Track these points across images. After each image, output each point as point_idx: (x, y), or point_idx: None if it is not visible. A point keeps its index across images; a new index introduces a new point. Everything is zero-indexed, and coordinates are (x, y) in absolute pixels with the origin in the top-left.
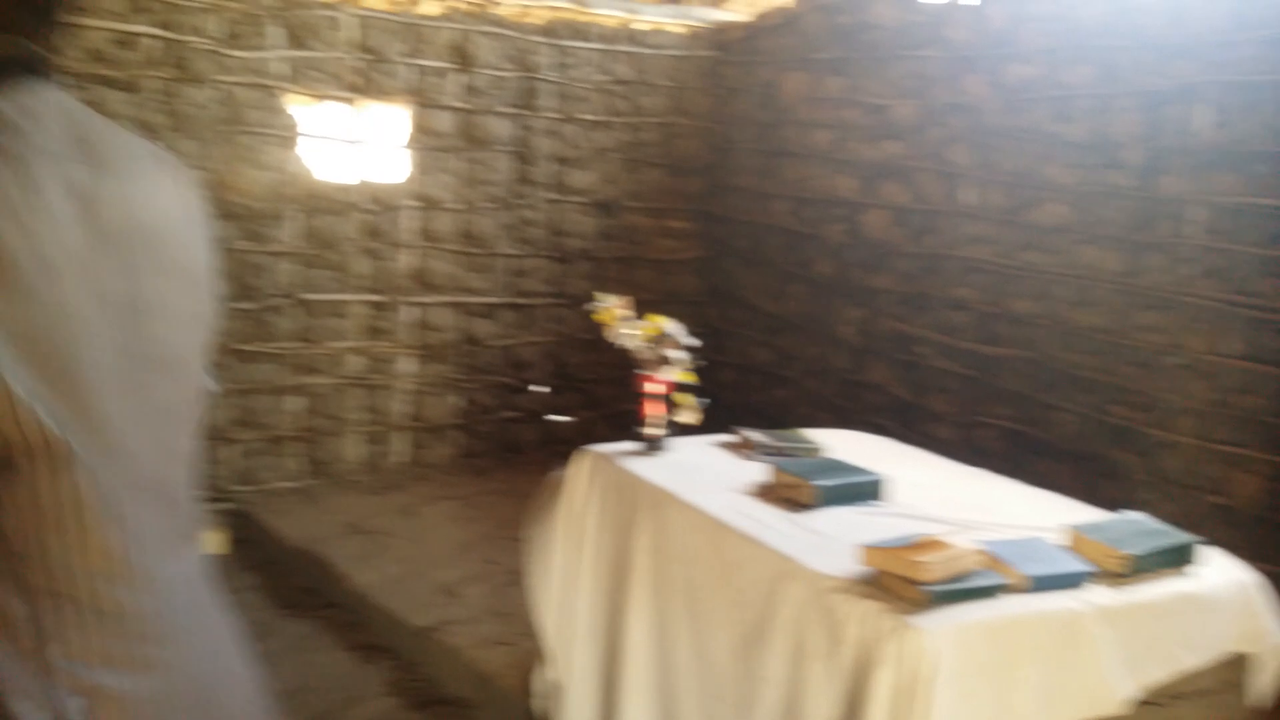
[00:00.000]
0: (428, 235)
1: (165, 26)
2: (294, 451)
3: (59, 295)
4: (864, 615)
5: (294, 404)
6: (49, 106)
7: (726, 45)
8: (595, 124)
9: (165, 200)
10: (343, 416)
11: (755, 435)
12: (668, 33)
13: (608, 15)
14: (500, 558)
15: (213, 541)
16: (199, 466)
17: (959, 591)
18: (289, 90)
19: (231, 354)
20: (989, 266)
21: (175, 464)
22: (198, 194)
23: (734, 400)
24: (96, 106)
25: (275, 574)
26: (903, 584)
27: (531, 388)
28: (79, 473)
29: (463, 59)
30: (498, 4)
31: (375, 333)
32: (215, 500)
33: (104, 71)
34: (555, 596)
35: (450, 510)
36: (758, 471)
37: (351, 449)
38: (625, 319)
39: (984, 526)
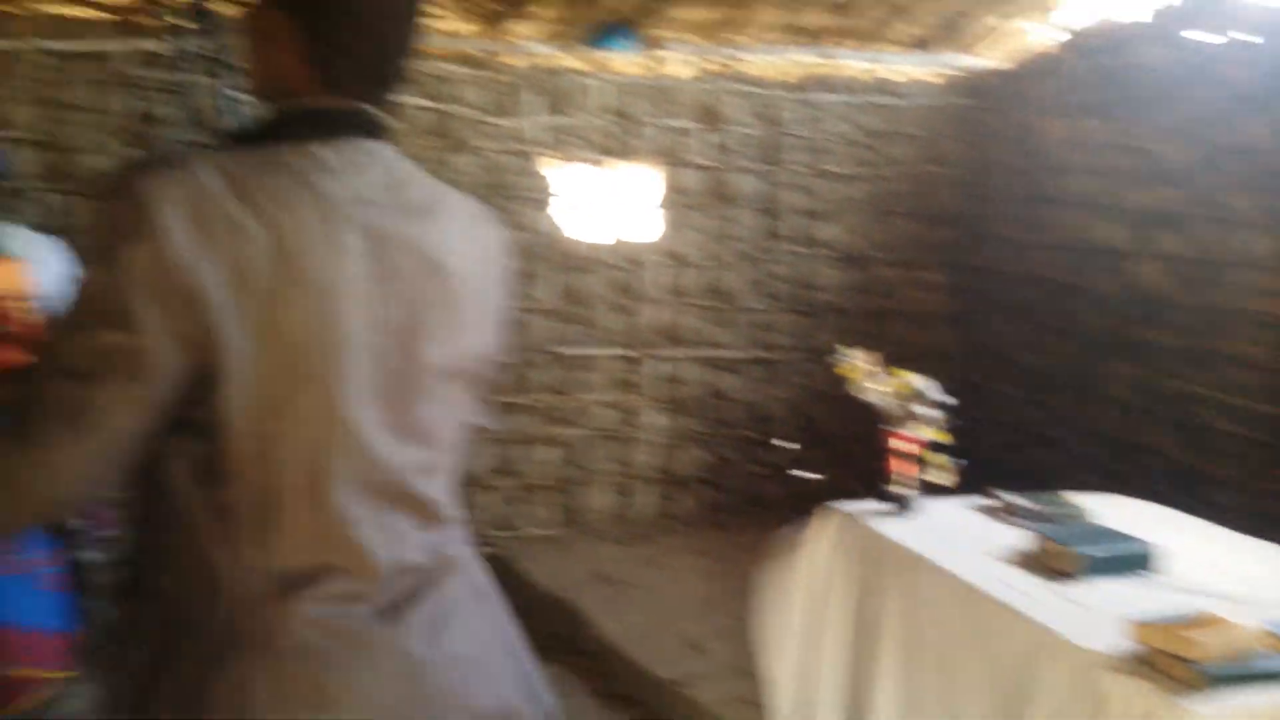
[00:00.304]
0: (676, 291)
1: (433, 98)
2: (546, 500)
3: (334, 312)
4: (1131, 695)
5: (547, 454)
6: (371, 159)
7: (982, 92)
8: (843, 176)
9: (461, 245)
10: (592, 467)
11: (1014, 498)
12: (918, 82)
13: (856, 67)
14: (746, 614)
15: None
16: (459, 482)
17: (1239, 674)
18: (545, 154)
19: (492, 404)
20: None
21: (422, 474)
22: (501, 242)
23: (992, 461)
24: None
25: (526, 618)
26: (1175, 663)
27: (777, 443)
28: (314, 460)
29: (711, 118)
30: (744, 61)
31: (624, 386)
32: (475, 543)
33: None
34: (794, 656)
35: (696, 564)
36: (1017, 537)
37: (600, 499)
38: (871, 374)
39: (1271, 604)
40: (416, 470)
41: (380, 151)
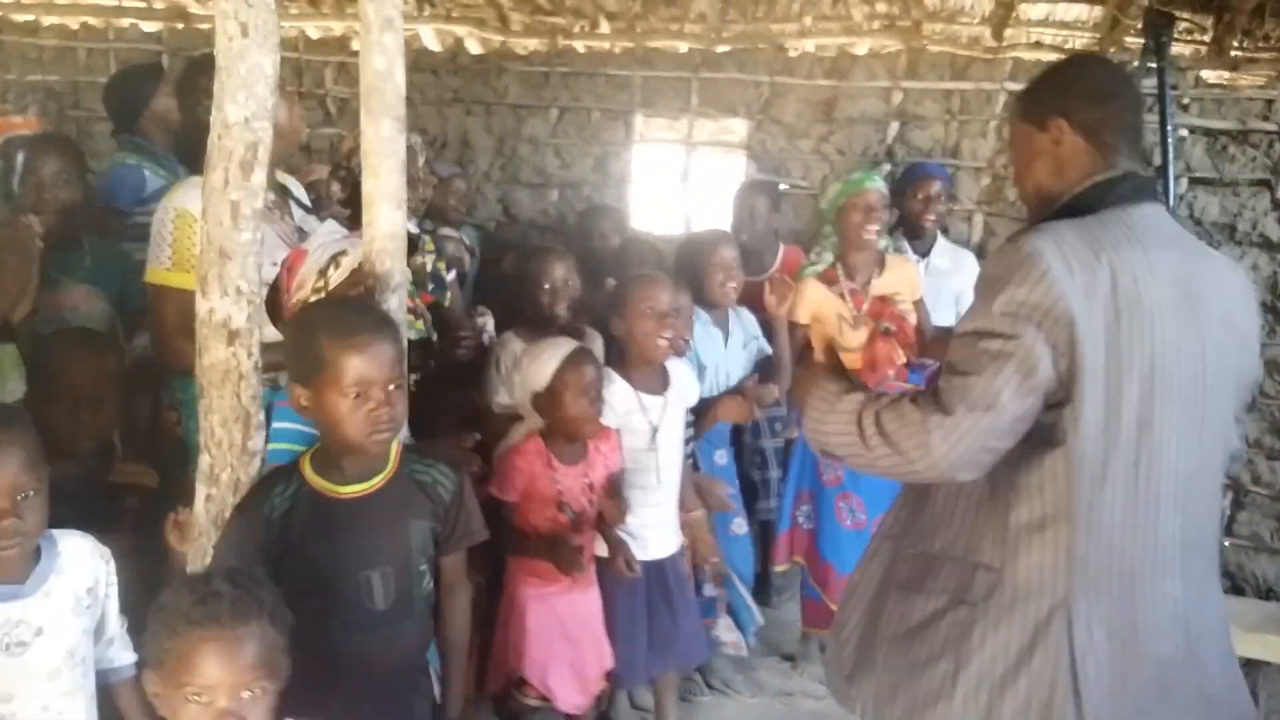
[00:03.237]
0: None
1: None
2: None
3: (1156, 335)
4: None
5: None
6: (1150, 217)
7: None
8: None
9: (1224, 280)
10: None
11: None
12: None
13: None
14: None
15: None
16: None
17: None
18: None
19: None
20: None
21: (1205, 511)
22: (1247, 280)
23: None
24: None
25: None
26: None
27: None
28: (1118, 468)
29: None
30: None
31: None
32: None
33: None
34: None
35: None
36: None
37: None
38: None
39: None
40: (1203, 509)
41: (1154, 208)
